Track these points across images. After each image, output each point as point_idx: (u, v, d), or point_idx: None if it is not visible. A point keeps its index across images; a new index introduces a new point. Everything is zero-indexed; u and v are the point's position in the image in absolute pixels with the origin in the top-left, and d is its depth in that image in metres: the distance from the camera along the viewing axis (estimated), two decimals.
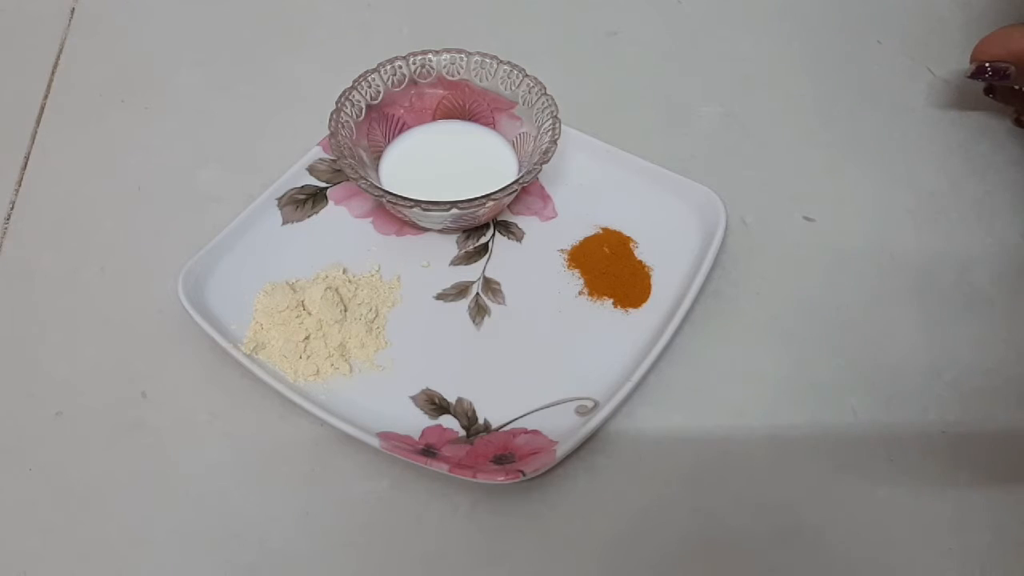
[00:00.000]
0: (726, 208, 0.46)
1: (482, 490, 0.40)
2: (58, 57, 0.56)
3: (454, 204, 0.44)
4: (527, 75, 0.48)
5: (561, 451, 0.40)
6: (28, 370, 0.44)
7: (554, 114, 0.46)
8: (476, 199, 0.44)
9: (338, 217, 0.49)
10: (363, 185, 0.44)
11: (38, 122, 0.53)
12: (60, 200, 0.50)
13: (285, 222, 0.48)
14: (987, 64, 0.47)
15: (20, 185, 0.51)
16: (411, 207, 0.44)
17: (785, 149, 0.52)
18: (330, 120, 0.46)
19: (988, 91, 0.51)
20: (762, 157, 0.52)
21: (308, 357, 0.43)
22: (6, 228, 0.49)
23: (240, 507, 0.40)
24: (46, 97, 0.55)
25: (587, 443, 0.41)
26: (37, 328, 0.46)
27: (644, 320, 0.45)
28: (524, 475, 0.39)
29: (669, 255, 0.47)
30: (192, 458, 0.41)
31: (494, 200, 0.44)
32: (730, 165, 0.51)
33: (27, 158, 0.52)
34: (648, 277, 0.46)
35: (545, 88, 0.47)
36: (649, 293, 0.46)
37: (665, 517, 0.40)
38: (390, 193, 0.45)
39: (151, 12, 0.59)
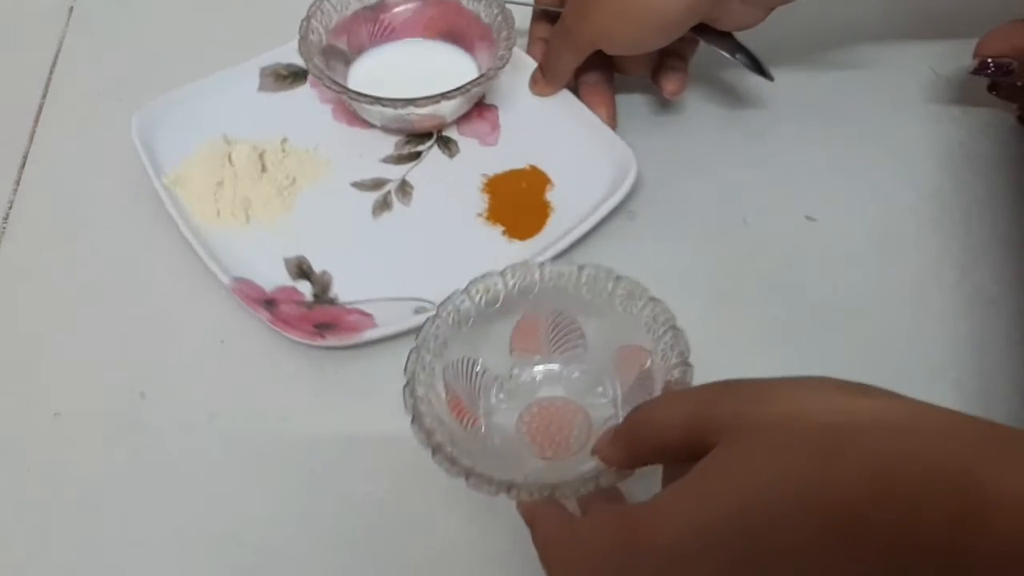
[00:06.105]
0: (638, 166, 0.47)
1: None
2: (56, 56, 0.56)
3: (378, 100, 0.47)
4: (505, 7, 0.51)
5: (373, 334, 0.42)
6: (28, 370, 0.44)
7: (510, 47, 0.49)
8: (402, 99, 0.47)
9: (306, 97, 0.52)
10: (315, 72, 0.48)
11: (36, 121, 0.53)
12: (58, 200, 0.50)
13: (260, 89, 0.52)
14: (990, 60, 0.47)
15: (18, 184, 0.51)
16: (351, 98, 0.48)
17: (786, 148, 0.52)
18: (301, 25, 0.49)
19: (991, 88, 0.51)
20: (762, 157, 0.51)
21: (216, 201, 0.47)
22: (4, 228, 0.49)
23: (240, 507, 0.40)
24: (44, 96, 0.55)
25: None
26: (36, 328, 0.46)
27: (521, 254, 0.46)
28: (324, 339, 0.42)
29: (576, 201, 0.48)
30: (192, 458, 0.42)
31: (421, 105, 0.47)
32: (730, 165, 0.51)
33: (25, 157, 0.52)
34: (547, 217, 0.48)
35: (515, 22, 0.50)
36: (539, 231, 0.47)
37: None
38: (339, 84, 0.48)
39: (150, 12, 0.59)
